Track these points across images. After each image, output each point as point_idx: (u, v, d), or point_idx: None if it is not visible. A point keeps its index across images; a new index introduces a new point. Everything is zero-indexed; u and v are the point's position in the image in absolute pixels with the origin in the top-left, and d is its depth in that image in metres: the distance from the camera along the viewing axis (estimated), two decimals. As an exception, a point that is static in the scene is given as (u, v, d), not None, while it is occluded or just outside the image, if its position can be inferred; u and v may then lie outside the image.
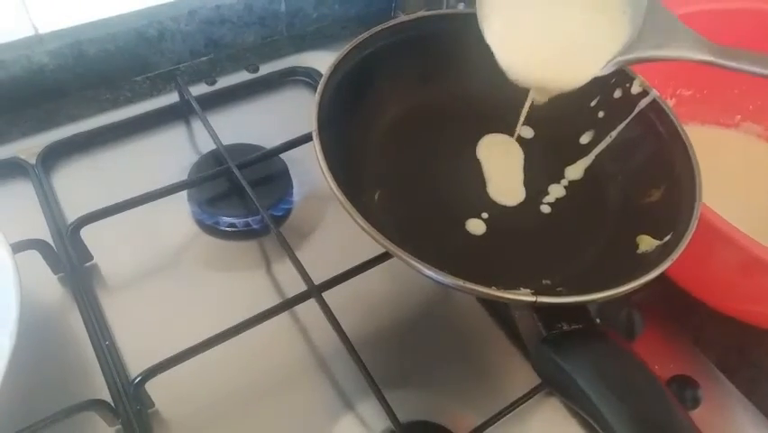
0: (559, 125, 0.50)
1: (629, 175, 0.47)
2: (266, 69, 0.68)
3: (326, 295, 0.45)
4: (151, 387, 0.42)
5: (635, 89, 0.46)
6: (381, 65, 0.47)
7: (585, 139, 0.50)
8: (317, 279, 0.46)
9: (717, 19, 0.58)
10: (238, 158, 0.54)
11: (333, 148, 0.40)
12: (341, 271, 0.46)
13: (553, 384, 0.39)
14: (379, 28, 0.46)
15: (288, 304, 0.46)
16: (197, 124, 0.61)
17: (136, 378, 0.40)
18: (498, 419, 0.42)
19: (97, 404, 0.40)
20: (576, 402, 0.36)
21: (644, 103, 0.46)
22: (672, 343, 0.50)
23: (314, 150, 0.38)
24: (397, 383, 0.44)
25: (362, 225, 0.35)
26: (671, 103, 0.62)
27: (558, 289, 0.41)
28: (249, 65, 0.68)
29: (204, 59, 0.70)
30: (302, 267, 0.47)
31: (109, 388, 0.43)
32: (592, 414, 0.34)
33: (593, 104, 0.49)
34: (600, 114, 0.49)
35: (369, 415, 0.44)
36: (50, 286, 0.49)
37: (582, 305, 0.38)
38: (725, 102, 0.63)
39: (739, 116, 0.64)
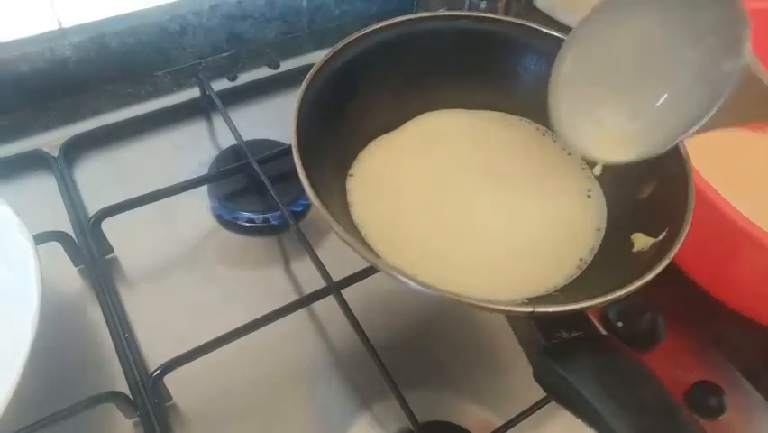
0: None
1: (618, 172, 0.45)
2: (287, 65, 0.68)
3: (345, 292, 0.45)
4: (169, 381, 0.42)
5: None
6: (361, 72, 0.45)
7: None
8: (336, 276, 0.46)
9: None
10: (258, 153, 0.54)
11: (317, 161, 0.39)
12: (360, 269, 0.46)
13: (558, 396, 0.38)
14: (353, 36, 0.45)
15: (306, 300, 0.46)
16: (218, 120, 0.61)
17: (155, 371, 0.40)
18: (517, 422, 0.41)
19: (116, 396, 0.40)
20: (581, 414, 0.35)
21: None
22: (695, 348, 0.49)
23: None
24: (416, 383, 0.44)
25: (346, 240, 0.34)
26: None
27: (555, 294, 0.40)
28: (270, 61, 0.68)
29: (225, 54, 0.70)
30: (321, 264, 0.46)
31: (128, 381, 0.43)
32: (599, 427, 0.33)
33: None
34: None
35: (385, 414, 0.43)
36: (70, 278, 0.49)
37: (580, 312, 0.37)
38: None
39: None
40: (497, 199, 0.45)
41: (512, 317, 0.40)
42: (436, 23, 0.48)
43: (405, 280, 0.32)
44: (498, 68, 0.49)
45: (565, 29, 0.46)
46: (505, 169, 0.47)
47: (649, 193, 0.42)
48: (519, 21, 0.48)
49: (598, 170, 0.46)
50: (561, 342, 0.36)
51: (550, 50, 0.45)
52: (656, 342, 0.48)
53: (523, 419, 0.42)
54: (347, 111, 0.45)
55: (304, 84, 0.41)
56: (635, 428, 0.31)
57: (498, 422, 0.42)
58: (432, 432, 0.42)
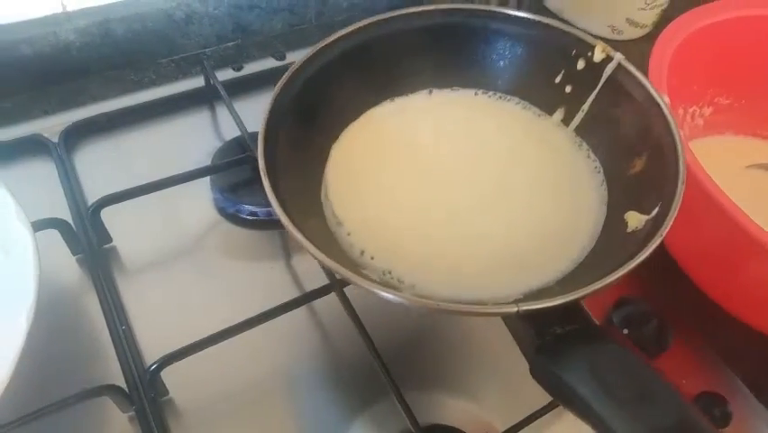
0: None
1: (609, 147, 0.44)
2: (293, 57, 0.67)
3: (347, 290, 0.44)
4: (167, 375, 0.41)
5: (598, 57, 0.44)
6: (330, 81, 0.45)
7: (558, 117, 0.48)
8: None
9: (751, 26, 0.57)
10: (262, 146, 0.53)
11: (286, 170, 0.39)
12: (364, 267, 0.45)
13: (558, 397, 0.35)
14: (323, 43, 0.45)
15: (308, 297, 0.45)
16: (222, 110, 0.60)
17: (152, 365, 0.40)
18: (521, 428, 0.41)
19: (112, 390, 0.40)
20: (582, 414, 0.33)
21: (609, 69, 0.44)
22: (701, 358, 0.49)
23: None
24: (417, 385, 0.43)
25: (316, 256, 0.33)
26: (707, 111, 0.60)
27: (552, 287, 0.38)
28: (276, 52, 0.67)
29: (231, 44, 0.69)
30: (324, 260, 0.46)
31: (124, 374, 0.42)
32: (600, 427, 0.31)
33: (558, 79, 0.47)
34: (568, 88, 0.47)
35: (385, 415, 0.43)
36: (68, 267, 0.48)
37: (573, 304, 0.34)
38: (763, 112, 0.61)
39: (777, 128, 0.63)
40: (485, 189, 0.44)
41: (505, 317, 0.38)
42: (404, 23, 0.48)
43: (380, 292, 0.32)
44: (473, 57, 0.49)
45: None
46: (494, 152, 0.46)
47: (641, 167, 0.41)
48: (488, 8, 0.47)
49: None
50: (554, 338, 0.34)
51: (520, 32, 0.46)
52: (662, 350, 0.48)
53: (526, 424, 0.41)
54: (319, 117, 0.45)
55: (276, 89, 0.42)
56: (640, 428, 0.29)
57: (501, 427, 0.41)
58: (433, 435, 0.42)
